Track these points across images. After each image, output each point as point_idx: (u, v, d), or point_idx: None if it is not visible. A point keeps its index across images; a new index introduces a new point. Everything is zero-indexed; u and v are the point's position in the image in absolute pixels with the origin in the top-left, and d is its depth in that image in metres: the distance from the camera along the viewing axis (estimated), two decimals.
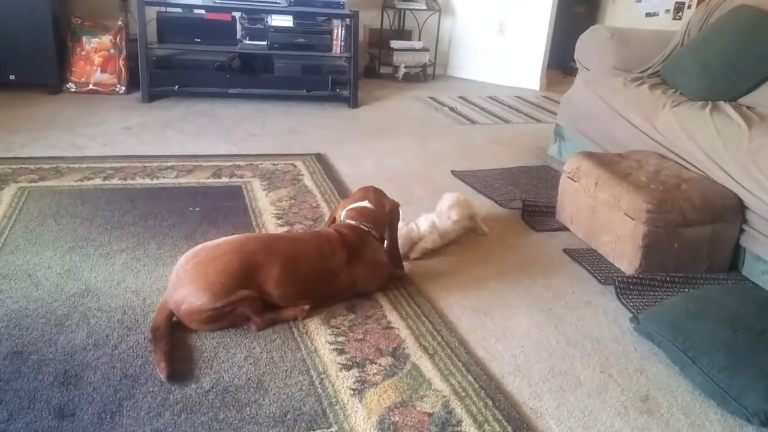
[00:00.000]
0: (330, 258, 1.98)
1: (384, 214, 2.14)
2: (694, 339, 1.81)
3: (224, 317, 1.82)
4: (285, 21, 4.44)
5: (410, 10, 5.51)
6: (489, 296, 2.19)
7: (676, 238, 2.33)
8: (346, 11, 4.47)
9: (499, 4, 5.56)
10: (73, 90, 4.26)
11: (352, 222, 2.10)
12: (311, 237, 2.06)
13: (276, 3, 4.44)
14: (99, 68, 4.32)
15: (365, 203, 2.15)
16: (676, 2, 5.73)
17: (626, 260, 2.38)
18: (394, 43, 5.43)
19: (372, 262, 2.06)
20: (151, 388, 1.60)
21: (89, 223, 2.44)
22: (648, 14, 5.89)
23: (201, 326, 1.83)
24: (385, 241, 2.16)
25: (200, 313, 1.79)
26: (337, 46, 4.59)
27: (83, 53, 4.31)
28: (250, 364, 1.72)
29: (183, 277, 1.83)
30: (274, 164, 3.24)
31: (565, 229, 2.74)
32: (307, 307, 1.94)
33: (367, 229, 2.09)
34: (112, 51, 4.34)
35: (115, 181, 2.86)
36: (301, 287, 1.93)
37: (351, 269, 2.01)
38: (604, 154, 2.84)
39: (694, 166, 2.61)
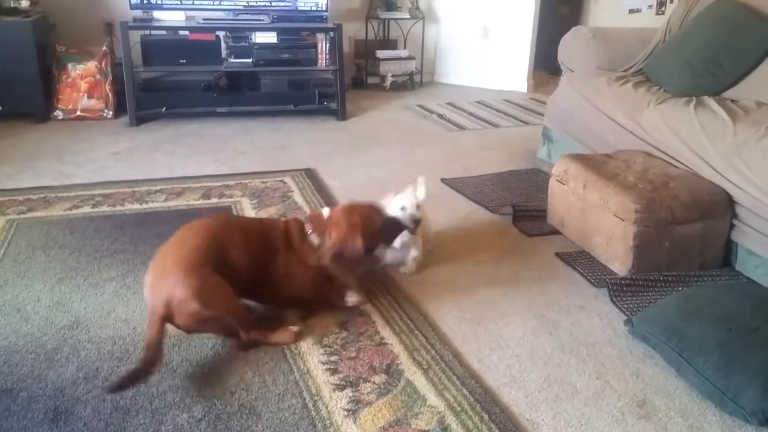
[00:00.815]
0: (273, 238, 2.02)
1: (331, 231, 2.06)
2: (689, 339, 1.80)
3: (213, 320, 1.78)
4: (269, 38, 4.44)
5: (394, 19, 5.52)
6: (482, 305, 2.17)
7: (666, 236, 2.32)
8: (330, 24, 4.47)
9: (482, 9, 5.56)
10: (60, 117, 4.25)
11: (301, 221, 2.11)
12: (263, 218, 2.11)
13: (259, 20, 4.45)
14: (86, 94, 4.32)
15: (326, 212, 2.13)
16: None
17: (618, 261, 2.38)
18: (380, 53, 5.43)
19: (296, 262, 2.03)
20: (142, 420, 1.58)
21: (78, 252, 2.42)
22: (631, 11, 5.89)
23: (194, 325, 1.78)
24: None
25: (191, 304, 1.73)
26: (323, 59, 4.59)
27: (69, 80, 4.30)
28: (242, 389, 1.71)
29: (161, 275, 1.79)
30: (263, 182, 3.24)
31: (556, 232, 2.73)
32: (295, 328, 1.93)
33: (306, 229, 2.07)
34: (98, 76, 4.34)
35: (104, 208, 2.85)
36: (253, 261, 1.93)
37: (283, 259, 2.00)
38: (591, 155, 2.83)
39: (680, 162, 2.61)
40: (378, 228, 2.11)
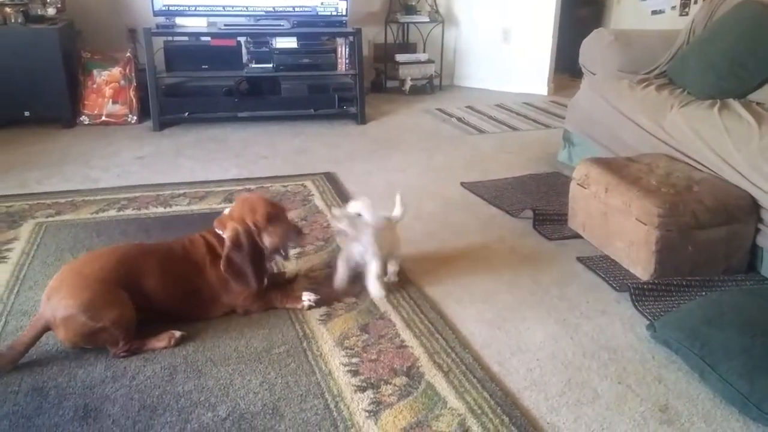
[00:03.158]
0: (192, 255, 2.00)
1: (236, 212, 2.02)
2: (712, 345, 1.79)
3: (99, 331, 1.78)
4: (289, 43, 4.48)
5: (413, 23, 5.54)
6: (502, 309, 2.18)
7: (690, 241, 2.30)
8: (349, 29, 4.50)
9: (503, 12, 5.57)
10: (86, 123, 4.34)
11: (217, 230, 2.06)
12: (177, 239, 2.08)
13: (280, 26, 4.50)
14: (110, 100, 4.40)
15: (226, 212, 2.08)
16: None
17: (641, 266, 2.36)
18: (400, 57, 5.45)
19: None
20: (168, 419, 1.61)
21: None
22: (654, 12, 5.85)
23: (76, 338, 1.79)
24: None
25: (78, 317, 1.75)
26: (342, 63, 4.63)
27: (94, 86, 4.39)
28: (266, 390, 1.73)
29: (58, 286, 1.80)
30: (284, 186, 3.27)
31: (577, 236, 2.72)
32: (177, 334, 1.92)
33: (220, 233, 2.03)
34: (122, 82, 4.42)
35: (129, 212, 2.90)
36: (174, 285, 1.95)
37: (212, 270, 1.99)
38: (613, 158, 2.82)
39: (704, 166, 2.59)
40: (274, 218, 2.03)
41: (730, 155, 2.47)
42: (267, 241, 2.04)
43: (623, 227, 2.43)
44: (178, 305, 1.98)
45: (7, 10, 4.05)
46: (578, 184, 2.70)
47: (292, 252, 2.19)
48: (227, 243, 1.97)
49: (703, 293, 2.23)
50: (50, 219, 2.80)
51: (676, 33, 3.45)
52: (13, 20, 4.04)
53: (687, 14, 5.54)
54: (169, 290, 1.95)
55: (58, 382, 1.74)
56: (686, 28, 3.39)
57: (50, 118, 4.25)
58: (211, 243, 2.04)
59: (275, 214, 2.05)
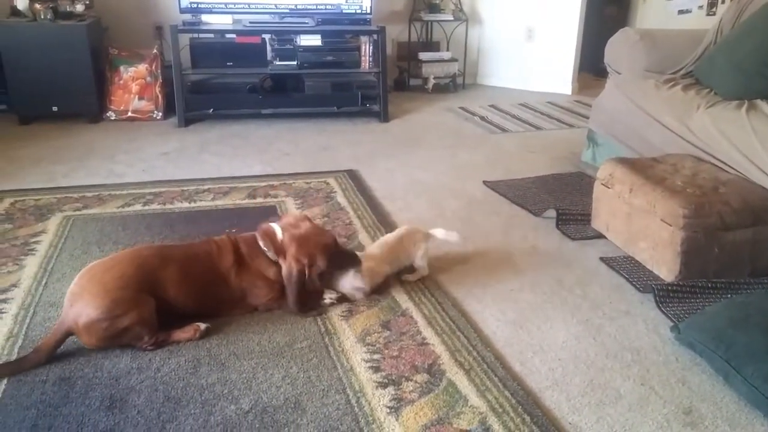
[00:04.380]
0: (218, 260, 2.03)
1: (289, 248, 2.06)
2: (738, 348, 1.77)
3: (124, 331, 1.82)
4: (314, 40, 4.51)
5: (437, 21, 5.53)
6: (524, 308, 2.17)
7: (716, 243, 2.28)
8: (373, 27, 4.52)
9: (527, 11, 5.53)
10: (112, 118, 4.40)
11: (250, 235, 2.12)
12: (202, 242, 2.11)
13: (304, 23, 4.52)
14: (136, 96, 4.46)
15: (278, 228, 2.11)
16: None
17: (665, 267, 2.34)
18: (423, 55, 5.45)
19: (257, 275, 2.06)
20: (192, 410, 1.64)
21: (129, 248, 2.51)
22: (681, 11, 5.77)
23: (101, 342, 1.83)
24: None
25: (100, 323, 1.79)
26: (366, 61, 4.64)
27: (121, 82, 4.45)
28: (288, 384, 1.74)
29: (79, 292, 1.83)
30: (307, 182, 3.29)
31: (601, 236, 2.70)
32: (203, 326, 1.95)
33: (262, 246, 2.08)
34: (148, 79, 4.47)
35: (155, 206, 2.94)
36: (196, 290, 1.98)
37: (238, 275, 2.03)
38: (638, 158, 2.79)
39: (731, 167, 2.56)
40: (332, 256, 2.09)
41: (757, 156, 2.43)
42: (318, 282, 2.10)
43: (648, 228, 2.40)
44: (198, 308, 2.00)
45: (37, 6, 4.12)
46: (602, 183, 2.68)
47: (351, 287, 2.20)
48: (284, 274, 2.03)
49: (729, 295, 2.20)
50: (77, 212, 2.85)
51: (703, 33, 3.41)
52: (42, 16, 4.12)
53: (714, 14, 5.47)
54: (190, 296, 1.98)
55: (84, 372, 1.78)
56: (714, 28, 3.35)
57: (77, 114, 4.32)
58: (241, 250, 2.07)
59: (332, 257, 2.09)
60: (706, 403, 1.72)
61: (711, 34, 3.32)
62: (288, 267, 2.04)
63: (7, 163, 3.49)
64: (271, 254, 2.07)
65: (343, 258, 2.14)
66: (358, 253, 2.22)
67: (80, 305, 1.80)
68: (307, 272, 2.04)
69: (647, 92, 3.15)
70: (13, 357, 1.84)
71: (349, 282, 2.15)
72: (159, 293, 1.90)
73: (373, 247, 2.36)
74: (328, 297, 2.15)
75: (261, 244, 2.08)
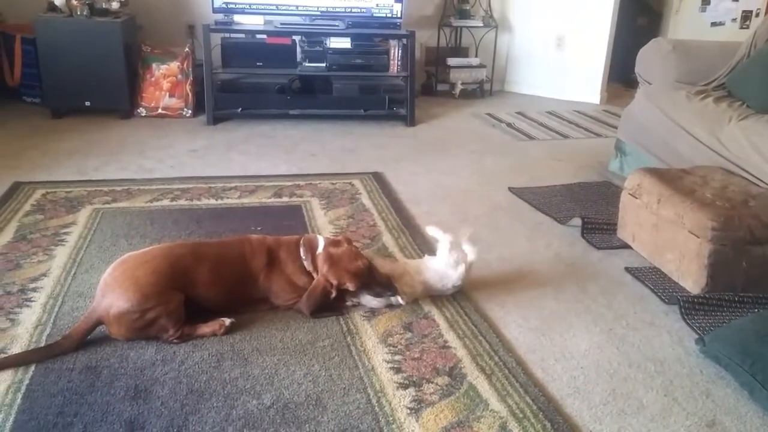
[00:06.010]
0: (250, 261, 2.06)
1: (323, 266, 2.08)
2: (764, 362, 1.74)
3: (152, 324, 1.85)
4: (343, 43, 4.53)
5: (467, 27, 5.53)
6: (547, 315, 2.16)
7: (744, 256, 2.25)
8: (403, 31, 4.53)
9: (558, 19, 5.51)
10: (143, 114, 4.47)
11: (294, 239, 2.15)
12: (237, 240, 2.15)
13: (334, 26, 4.55)
14: (167, 93, 4.52)
15: (321, 241, 2.13)
16: (743, 11, 5.55)
17: (691, 279, 2.31)
18: (451, 61, 5.45)
19: (287, 280, 2.08)
20: (215, 404, 1.66)
21: (158, 242, 2.53)
22: (713, 24, 5.71)
23: (129, 333, 1.86)
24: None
25: (130, 314, 1.83)
26: (394, 65, 4.65)
27: (153, 79, 4.52)
28: (310, 381, 1.76)
29: (112, 283, 1.87)
30: (332, 183, 3.31)
31: (626, 246, 2.68)
32: (227, 321, 1.97)
33: (301, 253, 2.10)
34: (179, 76, 4.54)
35: (182, 202, 2.98)
36: (227, 288, 2.01)
37: (268, 277, 2.06)
38: (666, 169, 2.77)
39: (762, 181, 2.52)
40: (363, 282, 2.10)
41: None
42: (344, 299, 2.14)
43: (675, 239, 2.38)
44: (224, 305, 2.03)
45: (74, 2, 4.20)
46: (630, 193, 2.66)
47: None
48: (312, 286, 2.06)
49: (756, 310, 2.17)
50: (107, 206, 2.90)
51: (736, 45, 3.37)
52: (78, 13, 4.20)
53: (747, 27, 5.40)
54: (219, 295, 2.01)
55: (110, 362, 1.81)
56: (747, 41, 3.30)
57: (109, 109, 4.39)
58: (276, 253, 2.10)
59: (364, 283, 2.10)
60: (730, 417, 1.70)
61: (745, 47, 3.28)
62: (316, 281, 2.07)
63: (41, 154, 3.57)
64: (307, 263, 2.10)
65: (375, 284, 2.12)
66: (390, 261, 2.21)
67: (112, 297, 1.84)
68: (333, 292, 2.07)
69: (678, 103, 3.12)
70: (42, 345, 1.88)
71: (380, 303, 2.15)
72: (189, 291, 1.94)
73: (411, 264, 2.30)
74: (350, 300, 2.16)
75: (301, 251, 2.11)
